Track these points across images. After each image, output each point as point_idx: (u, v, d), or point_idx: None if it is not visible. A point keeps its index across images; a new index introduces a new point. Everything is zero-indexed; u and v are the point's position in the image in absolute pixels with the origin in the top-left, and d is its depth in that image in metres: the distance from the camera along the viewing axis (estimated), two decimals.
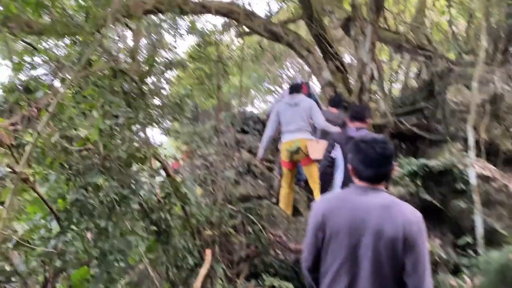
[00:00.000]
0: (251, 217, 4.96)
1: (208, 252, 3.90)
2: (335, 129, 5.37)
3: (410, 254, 1.87)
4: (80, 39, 3.30)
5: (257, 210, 5.06)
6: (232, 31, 17.38)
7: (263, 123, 7.64)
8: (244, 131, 7.36)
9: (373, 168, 2.03)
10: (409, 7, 11.26)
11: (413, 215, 1.96)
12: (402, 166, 4.76)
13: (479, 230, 3.90)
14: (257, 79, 22.57)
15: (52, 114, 2.22)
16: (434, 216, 4.93)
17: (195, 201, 5.08)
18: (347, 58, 12.04)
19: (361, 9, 9.31)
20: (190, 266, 3.78)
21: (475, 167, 4.29)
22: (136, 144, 3.45)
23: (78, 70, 3.27)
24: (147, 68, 4.76)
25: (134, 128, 3.56)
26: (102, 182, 2.82)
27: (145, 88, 4.05)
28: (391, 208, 1.95)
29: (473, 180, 3.92)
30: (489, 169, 4.54)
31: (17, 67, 3.09)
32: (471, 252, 3.99)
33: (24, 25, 4.96)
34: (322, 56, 7.46)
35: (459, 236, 4.43)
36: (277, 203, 5.69)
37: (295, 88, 5.78)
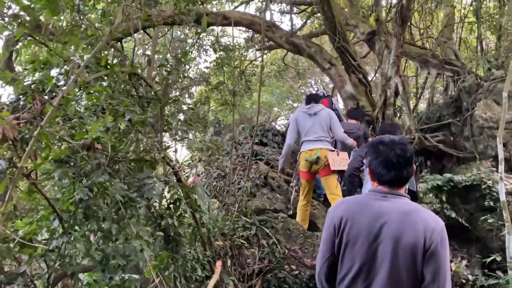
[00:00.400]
0: (266, 230, 4.79)
1: (219, 264, 3.74)
2: (352, 141, 5.22)
3: (430, 263, 1.77)
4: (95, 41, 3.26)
5: (273, 223, 4.89)
6: (256, 47, 17.51)
7: (283, 136, 7.50)
8: (263, 143, 7.24)
9: (394, 171, 1.94)
10: (436, 23, 11.03)
11: (435, 223, 1.87)
12: (426, 181, 4.51)
13: (510, 250, 3.61)
14: (280, 96, 22.52)
15: (57, 108, 2.15)
16: (460, 235, 4.64)
17: (207, 209, 4.96)
18: (371, 74, 11.85)
19: (386, 23, 9.17)
20: (200, 277, 3.63)
21: (504, 182, 4.01)
22: (146, 147, 3.37)
23: (91, 70, 3.24)
24: (164, 74, 4.73)
25: (146, 131, 3.50)
26: (108, 183, 2.73)
27: (160, 93, 4.01)
28: (412, 214, 1.86)
29: (502, 196, 3.65)
30: None
31: (32, 66, 3.08)
32: (500, 273, 3.69)
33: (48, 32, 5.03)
34: (344, 68, 7.30)
35: (487, 257, 4.12)
36: (293, 217, 5.50)
37: (312, 98, 5.65)
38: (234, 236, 4.48)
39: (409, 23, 10.13)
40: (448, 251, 1.87)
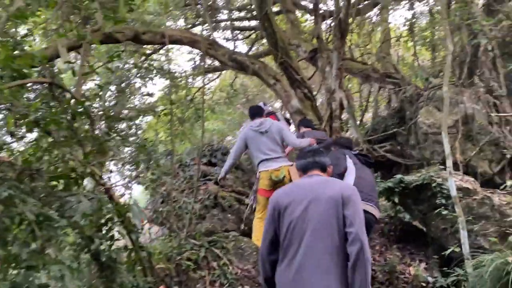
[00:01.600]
0: (216, 251, 4.44)
1: None
2: (309, 141, 5.02)
3: (349, 208, 2.32)
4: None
5: (223, 243, 4.55)
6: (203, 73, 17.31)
7: None
8: (211, 164, 6.93)
9: (307, 158, 2.71)
10: (374, 40, 11.43)
11: (347, 185, 2.70)
12: (378, 185, 4.39)
13: (465, 245, 3.50)
14: (232, 124, 22.32)
15: None
16: (415, 239, 4.52)
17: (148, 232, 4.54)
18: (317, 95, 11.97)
19: (327, 41, 9.35)
20: None
21: (453, 178, 3.96)
22: (71, 163, 3.00)
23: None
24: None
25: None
26: (18, 200, 2.33)
27: (92, 113, 3.64)
28: (330, 181, 2.58)
29: (453, 191, 3.57)
30: (469, 182, 4.21)
31: None
32: (459, 270, 3.55)
33: None
34: (289, 84, 7.25)
35: (446, 258, 4.00)
36: (248, 235, 5.19)
37: (256, 112, 5.39)
38: (181, 260, 4.10)
39: (348, 43, 10.48)
40: (360, 205, 2.43)
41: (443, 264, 4.06)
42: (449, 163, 3.63)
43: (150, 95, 8.46)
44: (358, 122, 9.28)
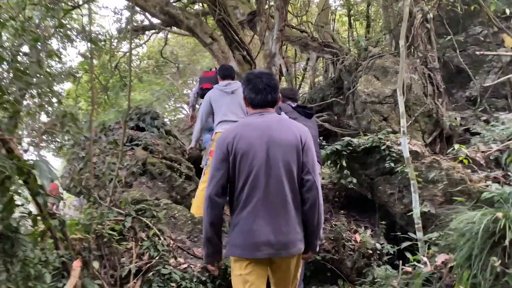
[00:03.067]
0: (144, 220, 3.88)
1: (77, 265, 2.75)
2: None
3: (307, 154, 2.29)
4: None
5: (153, 212, 4.00)
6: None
7: (163, 120, 6.60)
8: (139, 128, 6.23)
9: (260, 95, 2.40)
10: (312, 10, 11.18)
11: (302, 128, 2.40)
12: (324, 148, 4.08)
13: (416, 210, 3.30)
14: (161, 95, 21.10)
15: None
16: (361, 205, 4.32)
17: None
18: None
19: (267, 3, 8.86)
20: (48, 286, 2.60)
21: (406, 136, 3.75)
22: None
23: None
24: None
25: None
26: None
27: None
28: (284, 122, 2.45)
29: (406, 152, 3.34)
30: (417, 145, 4.06)
31: None
32: (412, 235, 3.37)
33: None
34: (227, 44, 6.69)
35: (391, 224, 3.81)
36: (181, 204, 4.67)
37: (228, 73, 4.93)
38: (102, 230, 3.49)
39: (286, 16, 10.11)
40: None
41: (389, 230, 3.88)
42: (403, 122, 3.38)
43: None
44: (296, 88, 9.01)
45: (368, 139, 4.09)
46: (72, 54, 35.45)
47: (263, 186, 2.19)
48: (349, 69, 7.90)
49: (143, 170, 5.28)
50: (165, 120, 6.82)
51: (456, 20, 9.48)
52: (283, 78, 7.93)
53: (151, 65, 18.73)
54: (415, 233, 3.48)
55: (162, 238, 3.71)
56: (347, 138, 4.16)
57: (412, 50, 7.54)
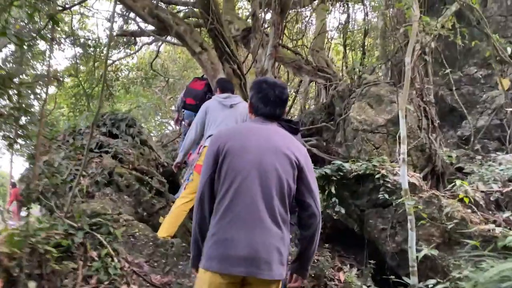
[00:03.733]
0: (98, 236, 3.34)
1: None
2: None
3: (308, 173, 2.10)
4: None
5: (110, 228, 3.46)
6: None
7: (139, 129, 6.10)
8: (112, 135, 5.72)
9: (269, 106, 2.20)
10: (308, 35, 10.96)
11: (303, 147, 2.21)
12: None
13: (413, 250, 2.85)
14: (148, 109, 20.53)
15: None
16: (348, 238, 3.84)
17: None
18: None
19: (261, 20, 8.57)
20: None
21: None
22: None
23: None
24: None
25: None
26: None
27: None
28: (287, 136, 2.20)
29: (404, 182, 2.91)
30: (415, 177, 3.64)
31: None
32: (407, 279, 2.90)
33: None
34: (217, 56, 6.30)
35: (379, 264, 3.34)
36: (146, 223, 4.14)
37: (229, 86, 4.65)
38: (45, 246, 2.94)
39: (282, 33, 9.86)
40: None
41: (377, 270, 3.40)
42: (403, 148, 2.97)
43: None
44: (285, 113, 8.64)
45: (361, 165, 3.66)
46: (60, 58, 34.73)
47: (250, 194, 1.97)
48: (342, 95, 7.57)
49: (109, 181, 4.75)
50: (143, 129, 6.30)
51: (451, 60, 9.35)
52: None
53: (139, 76, 18.29)
54: (408, 276, 3.02)
55: (115, 260, 3.16)
56: (338, 162, 3.72)
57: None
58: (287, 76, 9.93)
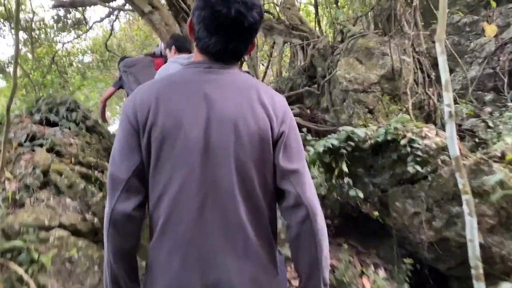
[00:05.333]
0: (16, 268, 2.28)
1: None
2: None
3: (289, 144, 1.23)
4: None
5: (33, 252, 2.39)
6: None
7: (85, 113, 4.95)
8: (49, 123, 4.55)
9: (219, 36, 1.23)
10: None
11: (279, 98, 1.30)
12: (312, 146, 2.64)
13: (474, 245, 1.92)
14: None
15: None
16: (365, 228, 2.89)
17: None
18: None
19: None
20: None
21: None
22: None
23: None
24: None
25: None
26: None
27: None
28: (251, 92, 1.24)
29: (454, 148, 1.93)
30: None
31: None
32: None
33: None
34: (172, 14, 5.14)
35: (412, 257, 2.42)
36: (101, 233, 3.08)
37: (186, 45, 3.56)
38: None
39: None
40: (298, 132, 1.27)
41: (414, 271, 2.48)
42: (449, 98, 2.00)
43: None
44: (260, 80, 7.60)
45: (377, 129, 2.68)
46: (1, 45, 32.10)
47: (196, 199, 1.15)
48: (323, 53, 6.57)
49: (44, 182, 3.63)
50: (90, 113, 5.14)
51: (431, 9, 8.51)
52: (244, 63, 6.47)
53: (95, 59, 16.79)
54: (458, 279, 2.11)
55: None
56: (347, 129, 2.72)
57: (397, 30, 6.31)
58: (256, 41, 8.82)
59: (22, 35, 13.09)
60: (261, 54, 8.83)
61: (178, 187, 1.15)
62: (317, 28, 10.23)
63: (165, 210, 1.17)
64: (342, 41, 6.47)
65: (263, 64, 8.79)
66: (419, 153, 2.46)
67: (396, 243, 2.65)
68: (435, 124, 6.06)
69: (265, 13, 8.12)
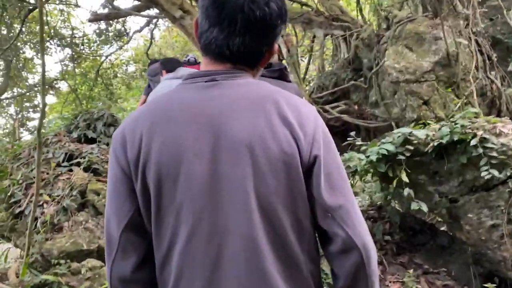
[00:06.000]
0: None
1: None
2: None
3: (328, 170, 0.91)
4: None
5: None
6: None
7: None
8: (88, 139, 4.48)
9: (224, 28, 0.94)
10: None
11: (307, 110, 0.96)
12: (363, 152, 2.28)
13: None
14: None
15: None
16: (434, 243, 2.48)
17: None
18: None
19: None
20: None
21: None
22: None
23: None
24: None
25: None
26: None
27: None
28: (268, 104, 0.93)
29: None
30: None
31: None
32: None
33: None
34: None
35: (488, 277, 1.99)
36: None
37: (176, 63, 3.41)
38: None
39: None
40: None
41: None
42: None
43: None
44: (302, 76, 7.24)
45: (440, 129, 2.26)
46: (49, 63, 33.83)
47: (209, 253, 0.88)
48: (368, 43, 6.10)
49: (81, 203, 3.52)
50: None
51: None
52: (283, 61, 6.15)
53: (138, 69, 17.12)
54: None
55: None
56: (404, 130, 2.32)
57: (449, 10, 5.71)
58: (295, 40, 8.41)
59: (67, 51, 13.55)
60: (301, 49, 8.46)
61: (186, 240, 0.89)
62: (360, 17, 9.67)
63: (174, 269, 0.91)
64: (388, 28, 5.97)
65: (303, 60, 8.41)
66: (494, 154, 2.03)
67: (472, 260, 2.23)
68: (500, 112, 5.44)
69: (303, 6, 7.73)
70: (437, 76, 5.04)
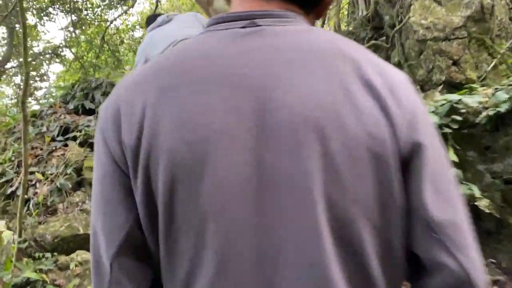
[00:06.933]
0: None
1: None
2: None
3: (427, 175, 0.53)
4: None
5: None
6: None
7: None
8: (86, 110, 4.13)
9: None
10: None
11: (400, 79, 0.58)
12: None
13: None
14: None
15: None
16: (483, 230, 2.09)
17: None
18: None
19: None
20: None
21: None
22: None
23: None
24: None
25: None
26: None
27: None
28: (342, 62, 0.55)
29: None
30: None
31: None
32: None
33: None
34: None
35: None
36: None
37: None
38: None
39: None
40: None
41: None
42: None
43: None
44: None
45: (494, 94, 1.82)
46: (53, 30, 33.26)
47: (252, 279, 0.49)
48: None
49: (77, 182, 3.20)
50: None
51: None
52: None
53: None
54: None
55: None
56: (451, 97, 1.89)
57: None
58: None
59: (72, 17, 13.07)
60: None
61: (214, 272, 0.55)
62: None
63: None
64: None
65: (318, 20, 7.87)
66: None
67: None
68: None
69: None
70: (469, 32, 4.51)
